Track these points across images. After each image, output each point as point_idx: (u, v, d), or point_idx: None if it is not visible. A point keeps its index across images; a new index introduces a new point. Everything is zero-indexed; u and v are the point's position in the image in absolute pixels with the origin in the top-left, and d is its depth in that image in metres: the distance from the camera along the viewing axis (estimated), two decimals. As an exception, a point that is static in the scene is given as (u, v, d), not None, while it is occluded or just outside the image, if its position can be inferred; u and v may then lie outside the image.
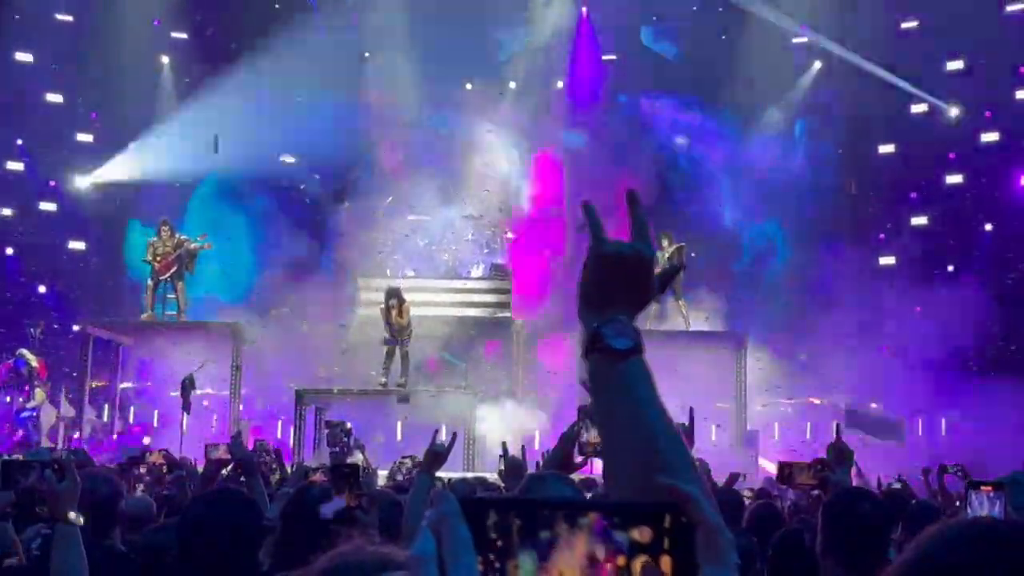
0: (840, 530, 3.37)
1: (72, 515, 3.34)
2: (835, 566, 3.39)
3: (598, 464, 4.54)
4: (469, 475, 10.03)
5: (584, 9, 26.28)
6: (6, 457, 7.04)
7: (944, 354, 22.16)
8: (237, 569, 3.10)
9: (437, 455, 4.93)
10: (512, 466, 5.35)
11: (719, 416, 20.73)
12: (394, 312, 19.78)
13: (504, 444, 5.54)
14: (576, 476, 5.90)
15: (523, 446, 5.50)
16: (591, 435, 3.89)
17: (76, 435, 20.23)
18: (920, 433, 23.06)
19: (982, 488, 4.32)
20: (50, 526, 3.44)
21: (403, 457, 14.29)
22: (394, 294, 19.89)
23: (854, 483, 7.07)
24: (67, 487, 3.37)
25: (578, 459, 3.80)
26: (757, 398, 21.50)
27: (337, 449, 16.01)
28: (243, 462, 5.45)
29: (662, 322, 21.31)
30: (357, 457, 14.94)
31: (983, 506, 3.92)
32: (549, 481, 3.02)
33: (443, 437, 5.20)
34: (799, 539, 4.43)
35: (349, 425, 16.37)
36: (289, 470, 13.71)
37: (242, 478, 5.60)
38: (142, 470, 9.85)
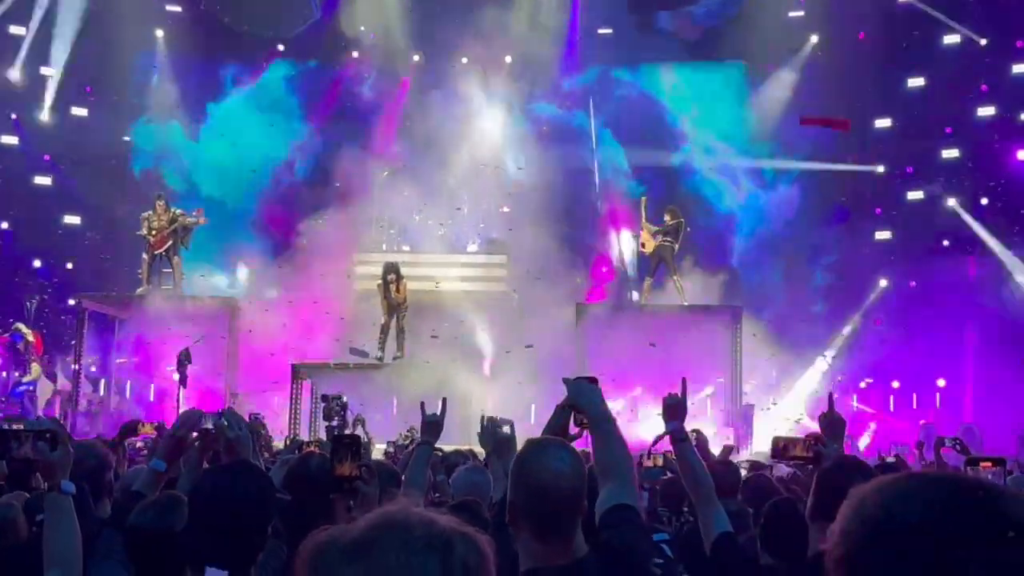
0: (831, 496, 3.41)
1: (65, 484, 3.34)
2: (824, 528, 3.45)
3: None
4: (464, 448, 10.04)
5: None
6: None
7: (939, 327, 22.21)
8: (251, 538, 3.11)
9: (434, 424, 4.95)
10: (502, 442, 5.27)
11: (715, 389, 20.79)
12: (392, 287, 19.80)
13: (483, 418, 5.43)
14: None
15: (512, 422, 5.48)
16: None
17: (71, 409, 20.28)
18: (915, 406, 23.15)
19: (981, 464, 4.30)
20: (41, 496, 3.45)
21: (410, 429, 14.39)
22: (392, 269, 19.90)
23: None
24: (60, 456, 3.36)
25: (573, 430, 3.78)
26: (752, 371, 21.52)
27: (334, 423, 16.02)
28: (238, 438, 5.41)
29: (658, 296, 21.33)
30: (357, 431, 14.95)
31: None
32: (551, 449, 2.99)
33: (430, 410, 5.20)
34: (791, 507, 4.45)
35: (345, 399, 16.37)
36: (282, 444, 13.78)
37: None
38: (138, 443, 9.83)
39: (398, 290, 19.86)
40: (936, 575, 1.29)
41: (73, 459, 3.45)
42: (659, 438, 4.43)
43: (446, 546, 1.44)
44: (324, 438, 12.90)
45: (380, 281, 20.02)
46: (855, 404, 21.70)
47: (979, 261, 23.52)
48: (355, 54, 25.68)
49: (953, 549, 1.29)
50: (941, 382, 23.13)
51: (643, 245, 21.18)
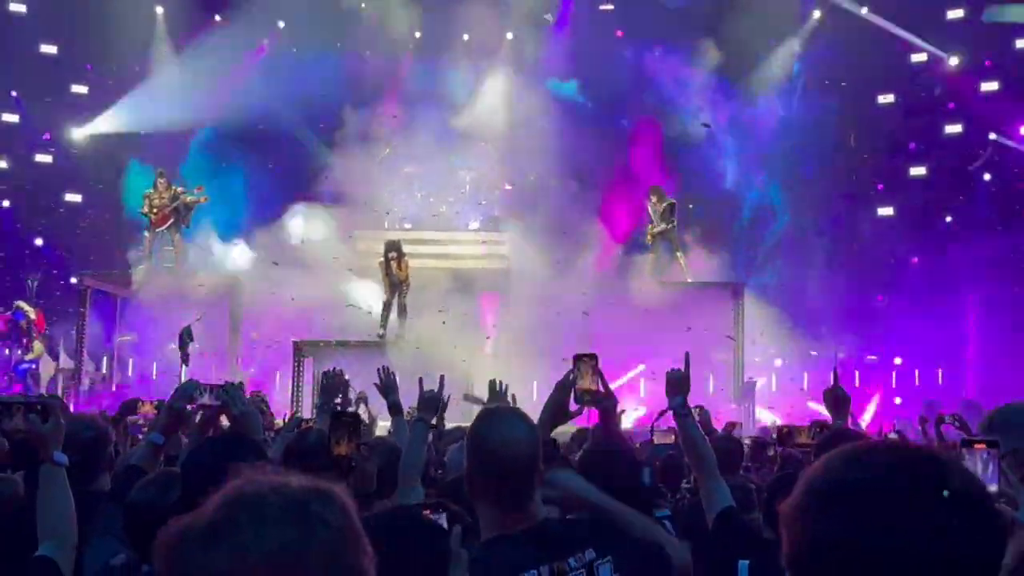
0: None
1: (57, 455, 3.32)
2: None
3: (594, 413, 4.51)
4: (464, 425, 10.02)
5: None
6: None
7: (943, 303, 22.18)
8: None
9: (431, 401, 4.94)
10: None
11: (717, 366, 20.75)
12: (394, 264, 19.75)
13: (493, 382, 5.47)
14: (571, 426, 5.88)
15: (513, 395, 5.48)
16: (585, 382, 3.82)
17: (74, 387, 20.30)
18: (917, 383, 23.13)
19: (976, 447, 4.28)
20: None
21: (411, 407, 14.34)
22: (394, 247, 19.85)
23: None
24: (51, 428, 3.35)
25: (573, 407, 3.76)
26: (755, 348, 21.49)
27: (337, 400, 15.98)
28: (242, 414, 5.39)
29: (662, 273, 21.29)
30: (360, 409, 14.91)
31: (977, 465, 3.89)
32: (505, 418, 2.97)
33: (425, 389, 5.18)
34: (793, 483, 4.41)
35: (347, 377, 16.35)
36: (283, 422, 13.76)
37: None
38: (140, 421, 9.81)
39: (400, 267, 19.80)
40: (867, 534, 1.30)
41: (69, 432, 3.43)
42: (662, 413, 4.40)
43: (302, 508, 1.41)
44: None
45: (382, 259, 19.97)
46: (857, 382, 21.67)
47: (983, 237, 23.43)
48: (355, 31, 25.51)
49: (884, 508, 1.30)
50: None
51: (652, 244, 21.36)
